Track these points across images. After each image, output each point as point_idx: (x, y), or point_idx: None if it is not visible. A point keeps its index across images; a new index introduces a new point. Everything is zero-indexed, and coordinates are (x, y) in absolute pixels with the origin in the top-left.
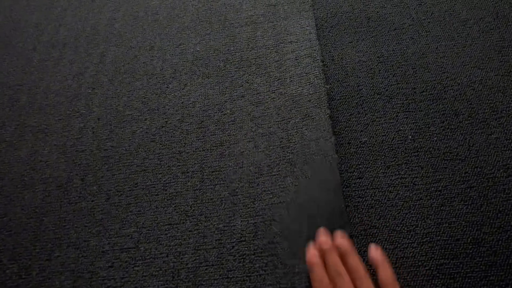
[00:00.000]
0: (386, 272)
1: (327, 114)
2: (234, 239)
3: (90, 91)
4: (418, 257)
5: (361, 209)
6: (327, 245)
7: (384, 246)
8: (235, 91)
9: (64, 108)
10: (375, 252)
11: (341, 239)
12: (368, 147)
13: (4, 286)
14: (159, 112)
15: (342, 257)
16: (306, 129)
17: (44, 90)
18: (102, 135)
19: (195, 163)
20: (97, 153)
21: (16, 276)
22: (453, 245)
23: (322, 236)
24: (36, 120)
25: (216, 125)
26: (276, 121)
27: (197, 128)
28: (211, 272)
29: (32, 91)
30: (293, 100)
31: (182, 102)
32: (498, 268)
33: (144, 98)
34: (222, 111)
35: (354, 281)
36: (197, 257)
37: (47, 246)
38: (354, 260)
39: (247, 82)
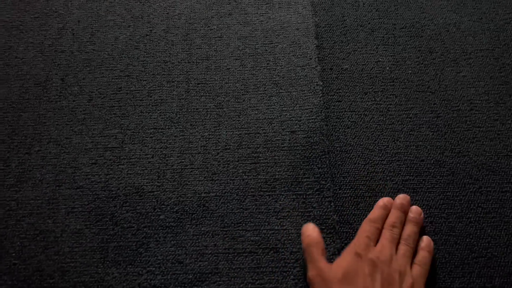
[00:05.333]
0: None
1: (315, 44)
2: (219, 147)
3: None
4: (387, 172)
5: (338, 129)
6: (403, 202)
7: (357, 162)
8: (222, 7)
9: (41, 6)
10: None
11: (416, 211)
12: (349, 74)
13: None
14: (143, 20)
15: (405, 223)
16: (293, 55)
17: None
18: (83, 37)
19: (180, 74)
20: (78, 55)
21: None
22: (418, 164)
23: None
24: (9, 15)
25: (202, 39)
26: (263, 44)
27: (182, 40)
28: (196, 174)
29: None
30: (281, 26)
31: (167, 13)
32: (455, 185)
33: (127, 5)
34: (209, 26)
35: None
36: (183, 160)
37: (26, 140)
38: (414, 230)
39: (235, 0)
